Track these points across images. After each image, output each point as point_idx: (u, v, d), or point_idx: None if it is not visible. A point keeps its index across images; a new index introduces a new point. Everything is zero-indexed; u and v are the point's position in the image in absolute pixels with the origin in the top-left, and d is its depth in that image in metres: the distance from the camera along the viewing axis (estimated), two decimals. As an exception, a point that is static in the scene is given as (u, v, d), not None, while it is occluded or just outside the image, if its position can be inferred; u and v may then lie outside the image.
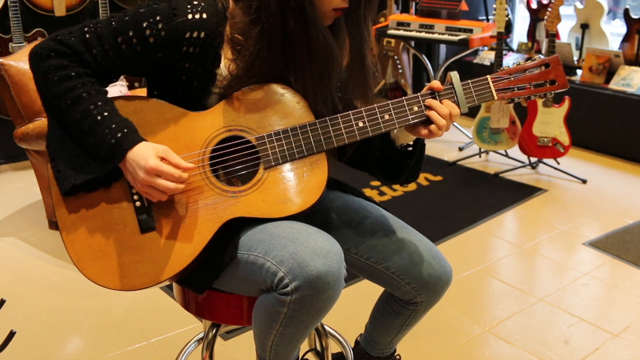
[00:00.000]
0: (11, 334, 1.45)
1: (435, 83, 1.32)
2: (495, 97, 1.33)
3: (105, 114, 1.21)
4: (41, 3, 3.61)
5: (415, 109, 1.31)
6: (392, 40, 4.77)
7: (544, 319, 2.33)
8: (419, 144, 1.38)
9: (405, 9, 4.94)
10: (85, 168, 1.24)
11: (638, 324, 2.29)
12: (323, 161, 1.30)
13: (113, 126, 1.21)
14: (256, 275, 1.23)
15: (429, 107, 1.31)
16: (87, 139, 1.22)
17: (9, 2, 3.45)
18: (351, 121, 1.30)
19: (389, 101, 1.31)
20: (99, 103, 1.22)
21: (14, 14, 3.48)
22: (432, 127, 1.30)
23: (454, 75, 1.32)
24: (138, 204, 1.26)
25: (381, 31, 4.32)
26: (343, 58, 1.33)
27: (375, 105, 1.31)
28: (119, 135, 1.20)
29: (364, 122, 1.30)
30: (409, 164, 1.39)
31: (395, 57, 4.82)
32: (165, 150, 1.22)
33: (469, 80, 1.33)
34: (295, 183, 1.29)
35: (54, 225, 3.03)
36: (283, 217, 1.27)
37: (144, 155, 1.19)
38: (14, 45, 3.54)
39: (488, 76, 1.34)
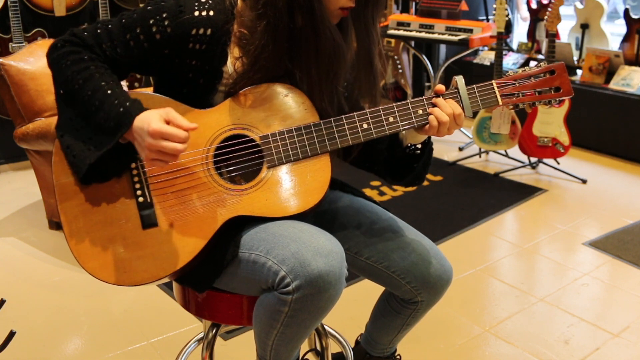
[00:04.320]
0: (11, 334, 1.45)
1: (440, 87, 1.32)
2: (500, 103, 1.34)
3: (116, 89, 1.23)
4: (41, 3, 3.61)
5: (420, 112, 1.31)
6: (392, 40, 4.77)
7: (544, 319, 2.33)
8: (427, 148, 1.39)
9: (405, 9, 4.94)
10: (98, 146, 1.23)
11: (638, 324, 2.29)
12: (326, 162, 1.30)
13: (122, 97, 1.22)
14: (257, 274, 1.23)
15: (433, 106, 1.31)
16: (97, 115, 1.22)
17: (9, 2, 3.45)
18: (355, 122, 1.30)
19: (394, 104, 1.31)
20: (110, 81, 1.24)
21: (14, 14, 3.48)
22: (431, 117, 1.30)
23: (459, 79, 1.33)
24: (141, 199, 1.27)
25: (381, 31, 4.32)
26: (350, 57, 1.33)
27: (380, 107, 1.31)
28: (127, 104, 1.20)
29: (368, 124, 1.30)
30: (415, 167, 1.39)
31: (395, 57, 4.82)
32: (167, 111, 1.19)
33: (474, 85, 1.33)
34: (298, 183, 1.29)
35: (54, 225, 3.03)
36: (285, 217, 1.28)
37: (147, 119, 1.17)
38: (14, 45, 3.54)
39: (493, 81, 1.34)
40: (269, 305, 1.22)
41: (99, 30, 1.26)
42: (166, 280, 1.30)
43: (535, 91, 1.35)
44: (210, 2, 1.26)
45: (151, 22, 1.24)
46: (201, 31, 1.24)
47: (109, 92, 1.22)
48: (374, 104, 1.36)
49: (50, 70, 1.27)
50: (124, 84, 3.17)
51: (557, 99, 1.36)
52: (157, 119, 1.17)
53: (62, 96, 1.26)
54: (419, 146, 1.41)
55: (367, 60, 1.33)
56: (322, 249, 1.18)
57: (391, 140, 1.43)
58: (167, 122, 1.18)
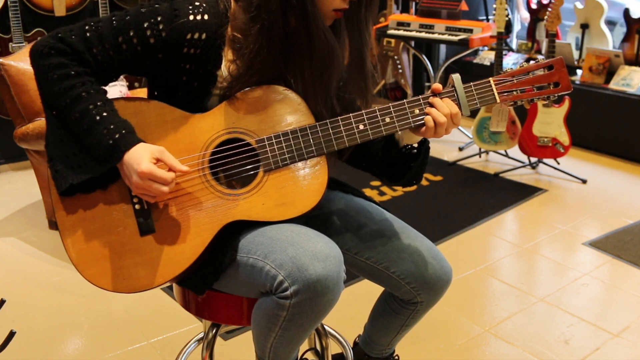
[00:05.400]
0: (11, 334, 1.45)
1: (437, 85, 1.32)
2: (498, 100, 1.32)
3: (104, 114, 1.21)
4: (41, 3, 3.61)
5: (417, 111, 1.30)
6: (392, 40, 4.77)
7: (544, 319, 2.33)
8: (424, 147, 1.38)
9: (405, 9, 4.94)
10: (83, 168, 1.23)
11: (638, 324, 2.29)
12: (323, 164, 1.30)
13: (111, 127, 1.20)
14: (255, 278, 1.22)
15: (430, 105, 1.30)
16: (85, 139, 1.21)
17: (9, 2, 3.45)
18: (352, 124, 1.29)
19: (390, 104, 1.31)
20: (98, 103, 1.22)
21: (14, 14, 3.48)
22: (427, 118, 1.29)
23: (456, 77, 1.31)
24: (138, 206, 1.26)
25: (381, 31, 4.32)
26: (344, 59, 1.33)
27: (376, 108, 1.30)
28: (117, 136, 1.20)
29: (365, 125, 1.29)
30: (412, 167, 1.39)
31: (395, 57, 4.82)
32: (160, 151, 1.21)
33: (471, 83, 1.32)
34: (295, 186, 1.28)
35: (54, 225, 3.03)
36: (283, 220, 1.27)
37: (138, 158, 1.18)
38: (14, 45, 3.54)
39: (490, 78, 1.32)
40: (267, 309, 1.22)
41: (88, 34, 1.22)
42: (166, 285, 1.30)
43: (534, 87, 1.33)
44: (205, 5, 1.24)
45: (145, 25, 1.22)
46: (196, 35, 1.23)
47: (97, 118, 1.20)
48: (365, 105, 1.35)
49: (35, 76, 1.24)
50: (123, 83, 3.17)
51: (556, 95, 1.34)
52: (148, 158, 1.18)
53: (48, 104, 1.24)
54: (415, 145, 1.40)
55: (359, 61, 1.33)
56: (320, 254, 1.18)
57: (387, 140, 1.43)
58: (158, 160, 1.20)
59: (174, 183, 1.22)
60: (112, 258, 1.25)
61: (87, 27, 1.23)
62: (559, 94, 1.34)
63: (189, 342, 1.62)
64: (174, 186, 1.23)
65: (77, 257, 1.26)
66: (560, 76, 1.33)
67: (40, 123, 2.75)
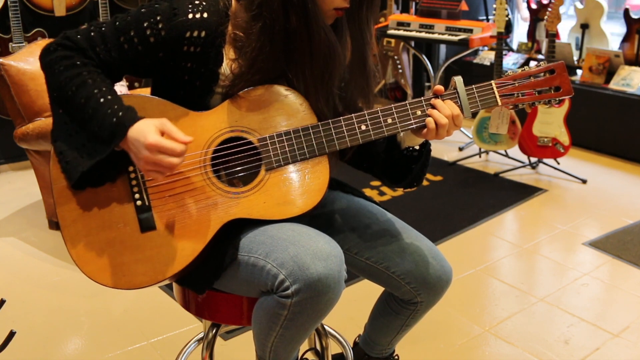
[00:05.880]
0: (11, 334, 1.45)
1: (439, 87, 1.32)
2: (499, 103, 1.33)
3: (109, 97, 1.22)
4: (41, 3, 3.61)
5: (419, 113, 1.31)
6: (392, 40, 4.77)
7: (544, 319, 2.33)
8: (425, 149, 1.38)
9: (405, 9, 4.94)
10: (92, 154, 1.23)
11: (638, 324, 2.29)
12: (325, 163, 1.30)
13: (115, 107, 1.21)
14: (256, 277, 1.23)
15: (432, 107, 1.31)
16: (91, 123, 1.22)
17: (9, 2, 3.45)
18: (354, 124, 1.30)
19: (392, 105, 1.31)
20: (103, 88, 1.23)
21: (14, 14, 3.48)
22: (428, 119, 1.29)
23: (458, 80, 1.32)
24: (139, 203, 1.27)
25: (381, 31, 4.32)
26: (345, 57, 1.33)
27: (378, 108, 1.30)
28: (120, 114, 1.19)
29: (367, 126, 1.30)
30: (414, 169, 1.39)
31: (395, 57, 4.82)
32: (162, 122, 1.19)
33: (473, 86, 1.32)
34: (297, 185, 1.28)
35: (54, 225, 3.03)
36: (284, 219, 1.27)
37: (143, 131, 1.17)
38: (14, 45, 3.54)
39: (492, 81, 1.33)
40: (268, 308, 1.22)
41: (92, 34, 1.25)
42: (166, 282, 1.30)
43: (535, 91, 1.34)
44: (204, 3, 1.25)
45: (145, 25, 1.23)
46: (195, 34, 1.24)
47: (101, 100, 1.21)
48: (367, 105, 1.36)
49: (44, 74, 1.26)
50: (123, 83, 3.17)
51: (557, 99, 1.35)
52: (154, 131, 1.17)
53: (55, 100, 1.26)
54: (417, 147, 1.40)
55: (361, 61, 1.33)
56: (321, 253, 1.18)
57: (389, 142, 1.43)
58: (162, 134, 1.18)
59: (184, 157, 1.19)
60: (112, 254, 1.25)
61: (92, 28, 1.26)
62: (560, 98, 1.35)
63: (189, 342, 1.62)
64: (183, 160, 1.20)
65: (77, 253, 1.26)
66: (561, 80, 1.34)
67: (40, 123, 2.75)
